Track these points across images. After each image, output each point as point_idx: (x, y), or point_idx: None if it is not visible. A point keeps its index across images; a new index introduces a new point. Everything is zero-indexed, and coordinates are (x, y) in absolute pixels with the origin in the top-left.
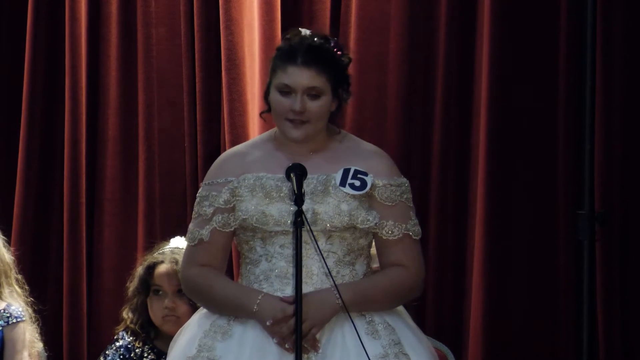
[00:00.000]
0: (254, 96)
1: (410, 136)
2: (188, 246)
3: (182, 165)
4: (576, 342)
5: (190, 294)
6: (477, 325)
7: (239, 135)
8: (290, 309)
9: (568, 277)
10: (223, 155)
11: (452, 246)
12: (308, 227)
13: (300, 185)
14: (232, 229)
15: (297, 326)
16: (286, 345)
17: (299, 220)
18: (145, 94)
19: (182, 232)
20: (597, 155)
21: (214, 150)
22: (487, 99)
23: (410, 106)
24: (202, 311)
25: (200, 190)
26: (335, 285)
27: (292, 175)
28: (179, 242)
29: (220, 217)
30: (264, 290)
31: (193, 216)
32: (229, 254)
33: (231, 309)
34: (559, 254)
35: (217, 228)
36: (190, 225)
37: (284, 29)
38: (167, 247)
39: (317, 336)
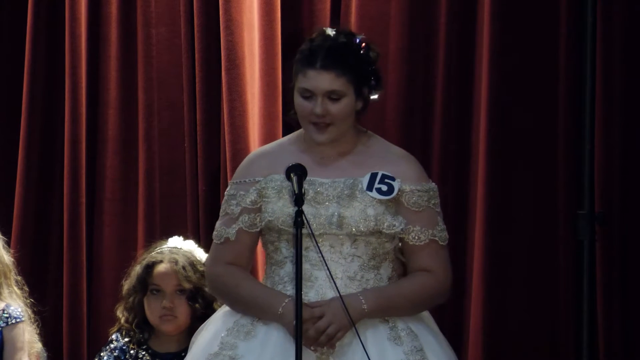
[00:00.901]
0: (254, 96)
1: (410, 136)
2: (214, 244)
3: (182, 165)
4: (576, 342)
5: (215, 292)
6: (477, 325)
7: (239, 135)
8: (317, 311)
9: (568, 277)
10: (252, 154)
11: (452, 246)
12: (309, 228)
13: (300, 185)
14: (258, 229)
15: (297, 327)
16: (311, 348)
17: (299, 220)
18: (145, 94)
19: (183, 232)
20: (597, 155)
21: (214, 150)
22: (487, 99)
23: (410, 106)
24: (225, 308)
25: (228, 188)
26: (341, 295)
27: (292, 175)
28: (177, 242)
29: (247, 217)
30: (289, 292)
31: (220, 214)
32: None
33: (256, 310)
34: (559, 253)
35: (244, 228)
36: (217, 223)
37: (284, 29)
38: (165, 246)
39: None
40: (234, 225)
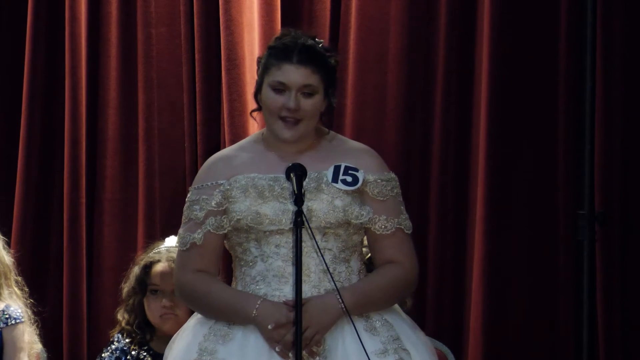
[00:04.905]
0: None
1: (410, 136)
2: (180, 251)
3: (182, 165)
4: (576, 342)
5: (186, 300)
6: (477, 325)
7: (239, 135)
8: (293, 314)
9: (568, 277)
10: (211, 159)
11: (452, 246)
12: (307, 227)
13: (300, 185)
14: (225, 232)
15: (297, 327)
16: (290, 354)
17: (299, 220)
18: (145, 94)
19: None
20: (597, 156)
21: (214, 150)
22: (487, 99)
23: (410, 106)
24: (196, 317)
25: (189, 194)
26: (337, 288)
27: (292, 175)
28: (174, 242)
29: (213, 220)
30: (262, 291)
31: (183, 220)
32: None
33: (229, 315)
34: (559, 254)
35: (211, 230)
36: (181, 230)
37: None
38: (162, 246)
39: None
40: (199, 230)
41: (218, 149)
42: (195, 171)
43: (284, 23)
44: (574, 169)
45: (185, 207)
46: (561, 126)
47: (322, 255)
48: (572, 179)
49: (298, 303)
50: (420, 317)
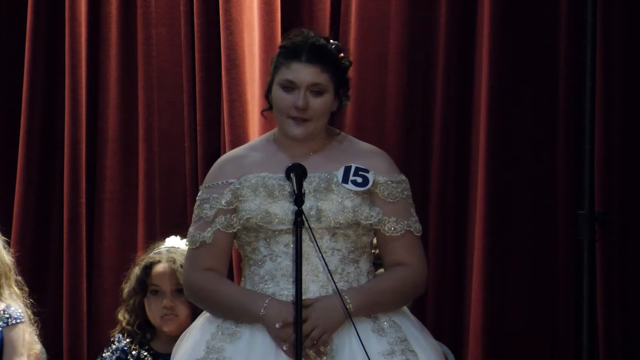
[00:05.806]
0: (254, 96)
1: (410, 136)
2: (190, 250)
3: (182, 165)
4: (576, 342)
5: (194, 299)
6: (477, 325)
7: (239, 135)
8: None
9: (568, 277)
10: (221, 158)
11: (452, 246)
12: (308, 227)
13: (300, 185)
14: (234, 230)
15: (297, 326)
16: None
17: (299, 220)
18: (145, 94)
19: (182, 232)
20: (597, 156)
21: (214, 151)
22: (487, 99)
23: (410, 106)
24: (205, 315)
25: (200, 193)
26: (338, 290)
27: (292, 175)
28: (174, 242)
29: (223, 219)
30: (270, 290)
31: (193, 219)
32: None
33: (237, 313)
34: (559, 254)
35: (221, 229)
36: (191, 229)
37: (284, 29)
38: (163, 246)
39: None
40: (209, 229)
41: (218, 150)
42: (195, 171)
43: (284, 23)
44: (574, 169)
45: (195, 206)
46: (561, 126)
47: (323, 259)
48: (572, 179)
49: (298, 303)
50: (421, 317)
